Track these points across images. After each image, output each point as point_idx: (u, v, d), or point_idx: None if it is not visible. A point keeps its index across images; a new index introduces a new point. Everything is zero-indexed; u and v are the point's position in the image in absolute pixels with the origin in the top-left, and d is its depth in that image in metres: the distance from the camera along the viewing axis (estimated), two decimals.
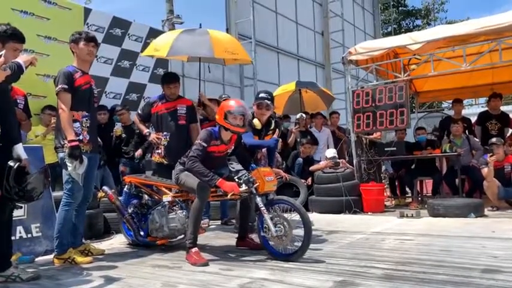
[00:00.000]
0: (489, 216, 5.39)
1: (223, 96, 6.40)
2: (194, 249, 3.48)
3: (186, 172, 3.68)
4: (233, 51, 4.87)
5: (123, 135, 6.05)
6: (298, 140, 7.40)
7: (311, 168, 6.94)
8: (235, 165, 4.02)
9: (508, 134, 7.57)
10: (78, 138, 3.48)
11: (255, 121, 4.18)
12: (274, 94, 7.63)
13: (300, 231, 3.34)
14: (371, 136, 7.49)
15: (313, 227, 4.81)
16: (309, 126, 7.84)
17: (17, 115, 3.39)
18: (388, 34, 19.26)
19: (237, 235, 4.07)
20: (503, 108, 8.86)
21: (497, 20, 5.93)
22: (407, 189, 7.51)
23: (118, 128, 5.99)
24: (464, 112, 9.11)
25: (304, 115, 7.83)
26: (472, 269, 2.89)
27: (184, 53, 5.14)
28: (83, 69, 3.68)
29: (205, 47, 4.79)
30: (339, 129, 8.26)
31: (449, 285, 2.56)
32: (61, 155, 3.52)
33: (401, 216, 5.53)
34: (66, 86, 3.50)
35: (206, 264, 3.31)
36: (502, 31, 5.95)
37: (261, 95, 4.25)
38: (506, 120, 7.45)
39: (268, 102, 4.17)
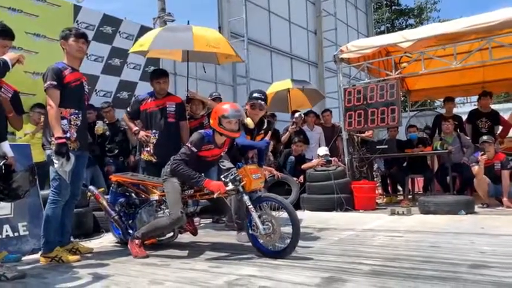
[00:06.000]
0: (479, 213, 5.42)
1: (214, 94, 6.38)
2: (138, 241, 3.64)
3: (172, 181, 3.63)
4: (215, 45, 4.87)
5: (107, 133, 5.94)
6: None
7: (303, 166, 6.95)
8: (227, 163, 4.01)
9: (498, 132, 7.62)
10: (65, 135, 3.45)
11: (248, 120, 4.16)
12: (269, 91, 7.71)
13: (289, 229, 3.33)
14: (363, 135, 7.50)
15: (304, 225, 4.86)
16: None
17: (2, 107, 3.34)
18: (381, 33, 19.26)
19: (228, 232, 4.07)
20: (495, 106, 8.93)
21: (487, 18, 5.95)
22: (398, 187, 7.53)
23: (99, 126, 5.86)
24: (456, 110, 9.15)
25: (302, 115, 7.85)
26: (459, 265, 2.89)
27: (164, 46, 5.19)
28: (73, 66, 3.64)
29: (186, 41, 4.83)
30: (333, 126, 8.24)
31: (437, 281, 2.56)
32: (48, 152, 3.49)
33: (392, 213, 5.54)
34: (54, 83, 3.46)
35: (146, 257, 3.52)
36: (492, 29, 5.97)
37: (255, 94, 4.23)
38: (496, 118, 7.50)
39: (262, 102, 4.17)
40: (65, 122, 3.54)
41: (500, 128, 7.69)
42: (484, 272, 2.70)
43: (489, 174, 5.84)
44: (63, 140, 3.37)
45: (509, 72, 8.38)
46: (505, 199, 5.72)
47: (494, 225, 4.47)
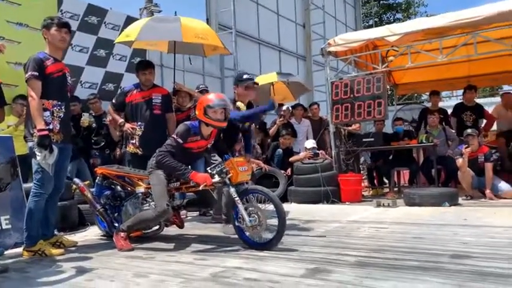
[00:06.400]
0: (463, 204, 5.51)
1: (201, 86, 6.34)
2: (124, 234, 3.61)
3: (157, 174, 3.59)
4: (203, 37, 4.84)
5: (94, 125, 5.86)
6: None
7: (290, 159, 6.97)
8: (218, 159, 3.99)
9: (482, 125, 7.73)
10: (48, 127, 3.39)
11: (239, 104, 4.17)
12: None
13: (276, 221, 3.33)
14: (350, 128, 7.54)
15: (291, 217, 4.89)
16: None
17: None
18: (369, 27, 19.25)
19: (215, 225, 4.06)
20: (480, 100, 9.05)
21: (472, 13, 5.99)
22: (385, 179, 7.61)
23: (85, 119, 5.77)
24: (442, 104, 9.26)
25: (290, 107, 7.84)
26: (442, 255, 2.93)
27: (152, 37, 5.12)
28: (55, 57, 3.57)
29: (174, 32, 4.78)
30: (321, 119, 8.26)
31: (420, 271, 2.59)
32: (30, 144, 3.43)
33: (378, 205, 5.60)
34: (36, 73, 3.39)
35: (132, 250, 3.50)
36: (477, 24, 6.02)
37: (245, 76, 4.29)
38: (481, 112, 7.61)
39: (255, 82, 4.26)
40: (47, 113, 3.47)
41: (485, 121, 7.80)
42: (466, 262, 2.75)
43: (473, 166, 5.93)
44: (46, 132, 3.31)
45: (494, 66, 8.51)
46: (487, 191, 5.81)
47: (476, 216, 4.54)
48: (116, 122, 4.77)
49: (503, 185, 5.92)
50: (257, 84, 4.32)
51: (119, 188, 4.14)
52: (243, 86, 4.22)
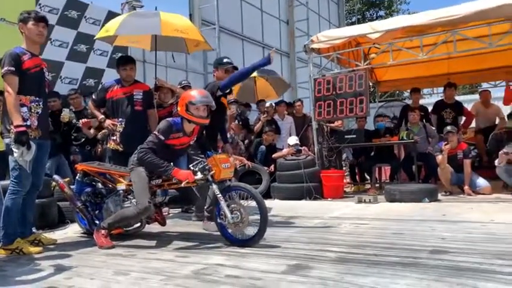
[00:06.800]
0: (442, 200, 5.61)
1: (183, 82, 6.29)
2: (105, 231, 3.56)
3: (139, 171, 3.56)
4: (183, 31, 4.81)
5: (74, 121, 5.77)
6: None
7: (273, 155, 6.98)
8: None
9: (462, 122, 7.88)
10: (25, 123, 3.33)
11: None
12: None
13: (258, 218, 3.34)
14: (332, 124, 7.60)
15: (273, 213, 4.91)
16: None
17: None
18: (352, 24, 19.49)
19: (197, 222, 4.04)
20: (460, 98, 9.21)
21: (452, 11, 6.09)
22: (366, 175, 7.69)
23: (65, 114, 5.66)
24: (423, 101, 9.40)
25: (273, 104, 7.85)
26: (420, 250, 2.99)
27: (131, 31, 5.07)
28: (32, 51, 3.50)
29: (153, 26, 4.77)
30: (304, 116, 8.29)
31: (399, 266, 2.63)
32: (7, 140, 3.37)
33: (359, 201, 5.66)
34: (12, 68, 3.33)
35: (112, 247, 3.47)
36: (456, 23, 6.12)
37: (226, 60, 4.44)
38: (460, 109, 7.74)
39: (234, 66, 4.38)
40: (25, 109, 3.41)
41: (464, 118, 7.95)
42: (443, 257, 2.80)
43: (452, 163, 6.04)
44: (23, 128, 3.24)
45: (473, 64, 8.67)
46: (466, 187, 5.93)
47: (454, 212, 4.63)
48: (88, 124, 4.72)
49: (481, 181, 6.05)
50: (237, 68, 4.39)
51: (99, 185, 4.09)
52: (222, 69, 4.36)
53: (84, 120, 5.30)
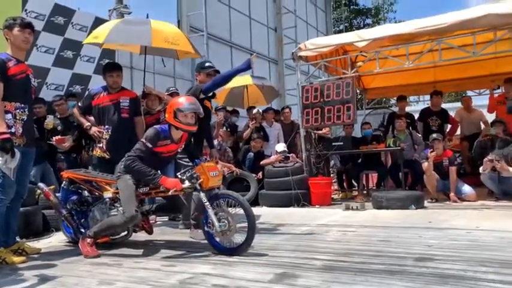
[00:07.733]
0: (428, 207, 5.66)
1: (171, 89, 6.28)
2: (90, 240, 3.51)
3: (126, 178, 3.53)
4: (174, 42, 4.79)
5: (59, 128, 5.69)
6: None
7: (261, 162, 6.98)
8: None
9: (447, 130, 7.99)
10: (9, 130, 3.28)
11: None
12: (229, 87, 7.65)
13: (245, 226, 3.33)
14: (320, 132, 7.64)
15: (261, 221, 4.90)
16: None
17: None
18: (340, 32, 19.70)
19: (184, 231, 4.01)
20: (445, 105, 9.34)
21: (438, 20, 6.19)
22: (354, 182, 7.73)
23: (49, 121, 5.60)
24: (410, 109, 9.51)
25: (260, 110, 7.86)
26: (406, 258, 3.01)
27: (121, 40, 5.04)
28: (17, 58, 3.46)
29: (144, 36, 4.73)
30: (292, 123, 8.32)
31: (385, 274, 2.65)
32: None
33: (347, 208, 5.69)
34: None
35: (98, 256, 3.42)
36: (442, 31, 6.23)
37: (208, 64, 4.51)
38: (446, 117, 7.86)
39: (216, 70, 4.43)
40: (9, 116, 3.36)
41: (449, 126, 8.07)
42: (429, 264, 2.82)
43: (438, 170, 6.11)
44: (7, 136, 3.19)
45: (458, 72, 8.81)
46: (452, 194, 6.00)
47: (440, 219, 4.68)
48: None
49: (466, 188, 6.13)
50: (218, 72, 4.42)
51: (86, 192, 4.02)
52: (204, 73, 4.40)
53: (57, 137, 5.33)
